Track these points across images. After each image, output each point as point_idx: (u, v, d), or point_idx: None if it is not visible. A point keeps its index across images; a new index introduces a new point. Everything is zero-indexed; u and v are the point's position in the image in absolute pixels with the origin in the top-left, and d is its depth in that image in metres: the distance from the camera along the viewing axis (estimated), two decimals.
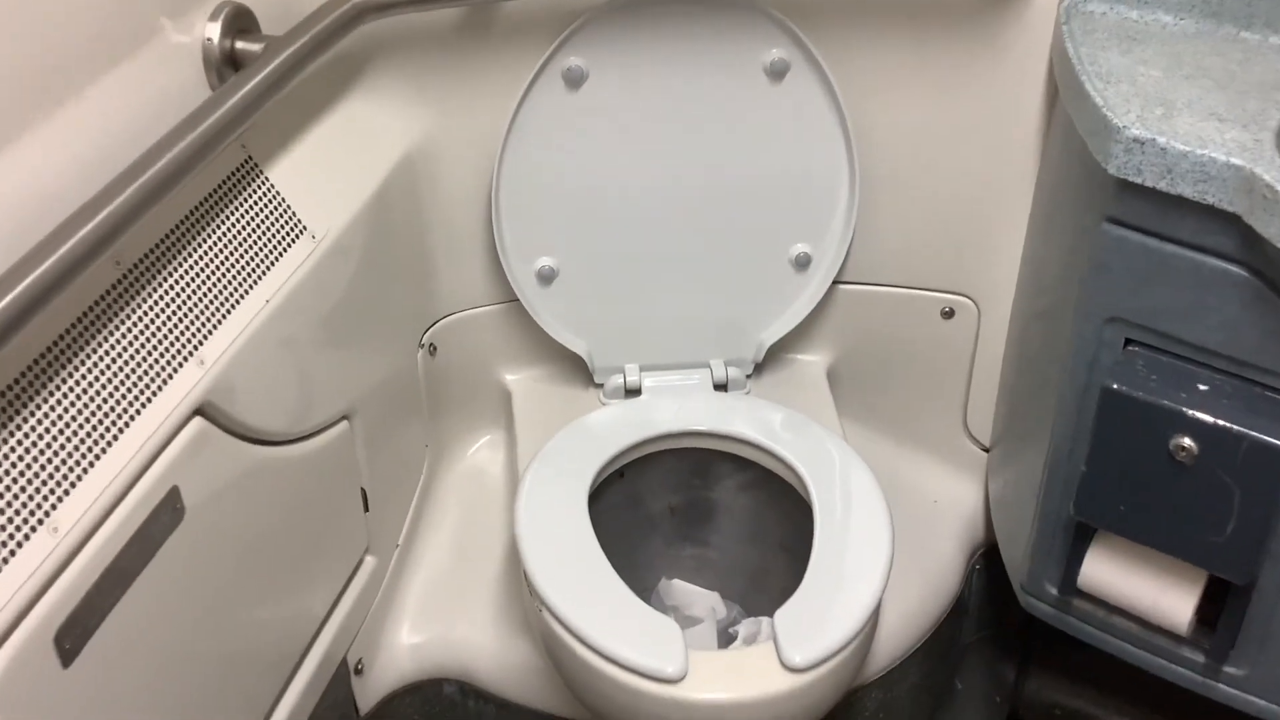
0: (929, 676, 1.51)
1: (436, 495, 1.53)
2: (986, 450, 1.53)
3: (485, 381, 1.51)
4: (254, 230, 1.06)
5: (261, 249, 1.06)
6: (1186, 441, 1.08)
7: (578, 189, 1.33)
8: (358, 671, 1.34)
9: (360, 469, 1.27)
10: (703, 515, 1.46)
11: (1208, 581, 1.18)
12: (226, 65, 1.05)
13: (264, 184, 1.09)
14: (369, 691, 1.37)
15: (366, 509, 1.30)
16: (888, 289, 1.45)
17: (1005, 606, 1.49)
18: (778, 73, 1.27)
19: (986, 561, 1.54)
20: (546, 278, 1.37)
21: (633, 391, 1.44)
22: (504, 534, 1.48)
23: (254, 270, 1.05)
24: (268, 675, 1.15)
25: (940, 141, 1.33)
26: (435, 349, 1.45)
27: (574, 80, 1.26)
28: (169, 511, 0.94)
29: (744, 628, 1.39)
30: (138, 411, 0.91)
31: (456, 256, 1.40)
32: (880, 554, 1.21)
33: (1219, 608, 1.18)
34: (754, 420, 1.39)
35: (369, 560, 1.33)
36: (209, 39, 1.04)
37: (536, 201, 1.33)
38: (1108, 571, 1.23)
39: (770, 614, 1.38)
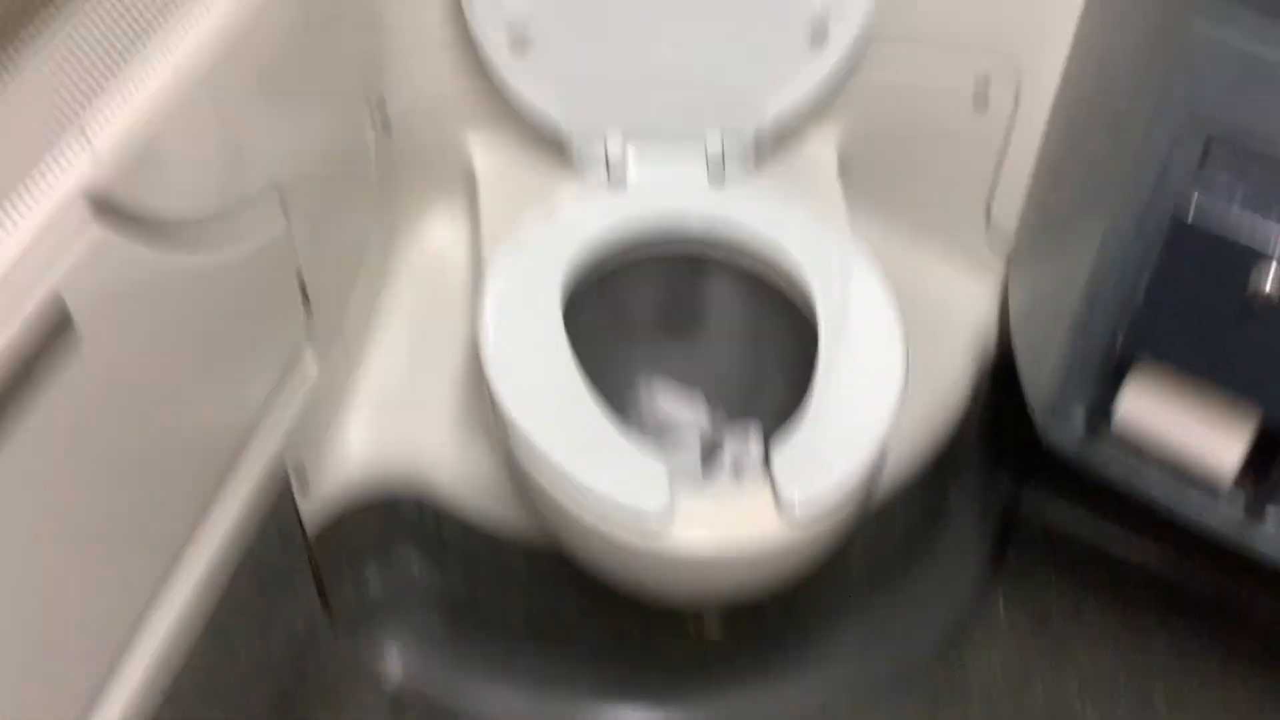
0: (925, 495, 1.39)
1: (389, 282, 1.35)
2: (1010, 252, 1.36)
3: (445, 144, 1.31)
4: None
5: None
6: (1269, 277, 0.92)
7: None
8: (302, 486, 1.20)
9: (296, 254, 1.09)
10: (690, 316, 1.30)
11: (1258, 428, 1.05)
12: None
13: None
14: (317, 510, 1.24)
15: (306, 298, 1.13)
16: (915, 49, 1.25)
17: (1009, 424, 1.36)
18: None
19: (993, 378, 1.40)
20: (518, 27, 1.15)
21: (615, 166, 1.25)
22: (467, 328, 1.31)
23: (150, 24, 0.84)
24: (194, 493, 1.00)
25: None
26: (385, 104, 1.24)
27: None
28: (52, 322, 0.76)
29: (731, 446, 1.25)
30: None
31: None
32: (891, 388, 1.06)
33: (1265, 459, 1.05)
34: (753, 222, 1.21)
35: (309, 356, 1.16)
36: None
37: None
38: (1148, 406, 1.09)
39: (758, 419, 1.26)
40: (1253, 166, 0.92)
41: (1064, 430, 1.18)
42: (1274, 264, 0.92)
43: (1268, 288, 0.92)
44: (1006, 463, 1.50)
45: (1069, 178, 1.19)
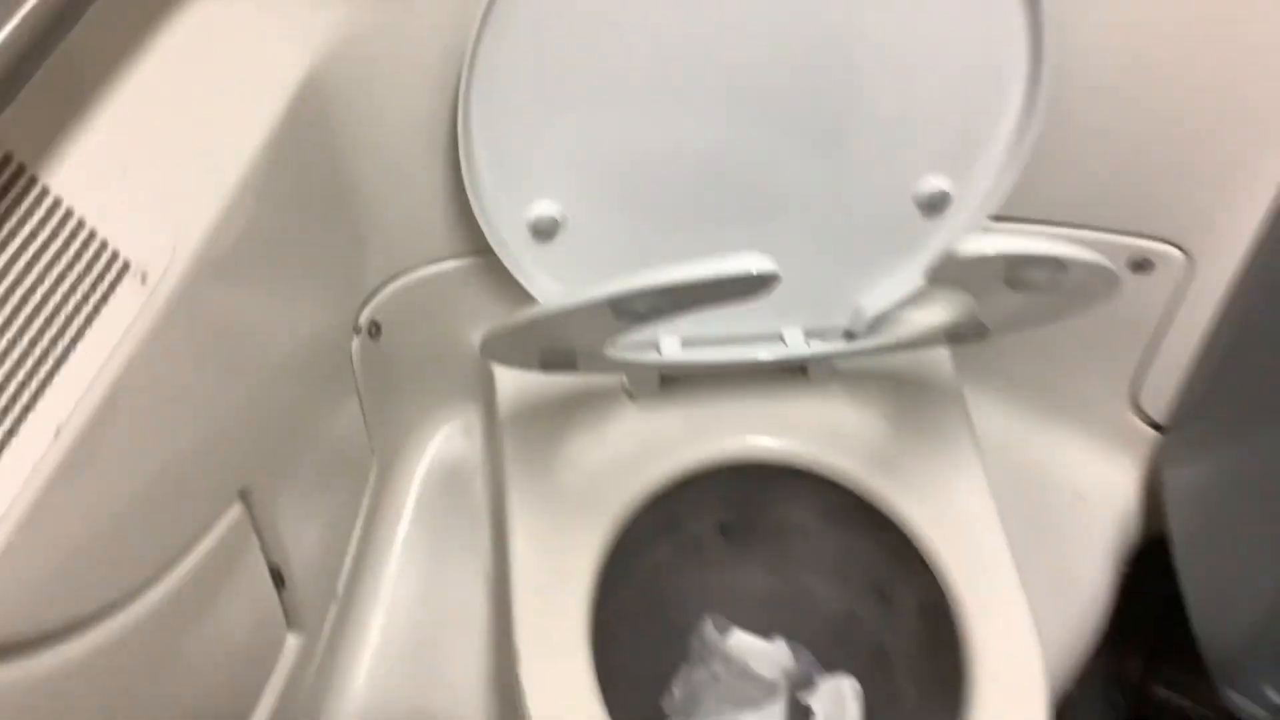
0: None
1: (388, 516, 1.10)
2: (1159, 430, 1.10)
3: (449, 358, 1.05)
4: (31, 294, 0.58)
5: (46, 329, 0.58)
6: None
7: (595, 99, 0.82)
8: None
9: (266, 548, 0.84)
10: (768, 538, 1.05)
11: None
12: None
13: (43, 202, 0.59)
14: None
15: (281, 585, 0.88)
16: (1057, 229, 0.98)
17: (1140, 603, 1.12)
18: None
19: (1137, 565, 1.15)
20: (545, 231, 0.88)
21: (668, 375, 0.99)
22: (482, 565, 1.06)
23: (34, 372, 0.58)
24: None
25: (1177, 34, 0.83)
26: (378, 328, 0.98)
27: None
28: None
29: (820, 699, 1.01)
30: None
31: (402, 207, 0.91)
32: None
33: None
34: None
35: (292, 642, 0.92)
36: None
37: (530, 121, 0.82)
38: None
39: (853, 668, 1.03)
40: None
41: (1253, 702, 0.93)
42: None
43: None
44: (1138, 644, 1.26)
45: (1258, 367, 0.93)
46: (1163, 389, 1.06)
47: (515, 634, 0.86)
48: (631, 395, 0.98)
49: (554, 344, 0.77)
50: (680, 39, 0.80)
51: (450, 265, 0.97)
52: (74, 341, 0.59)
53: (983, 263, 0.62)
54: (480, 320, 1.00)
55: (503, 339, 0.74)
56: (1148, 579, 1.12)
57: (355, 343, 0.95)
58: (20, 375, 0.57)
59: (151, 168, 0.64)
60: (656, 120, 0.83)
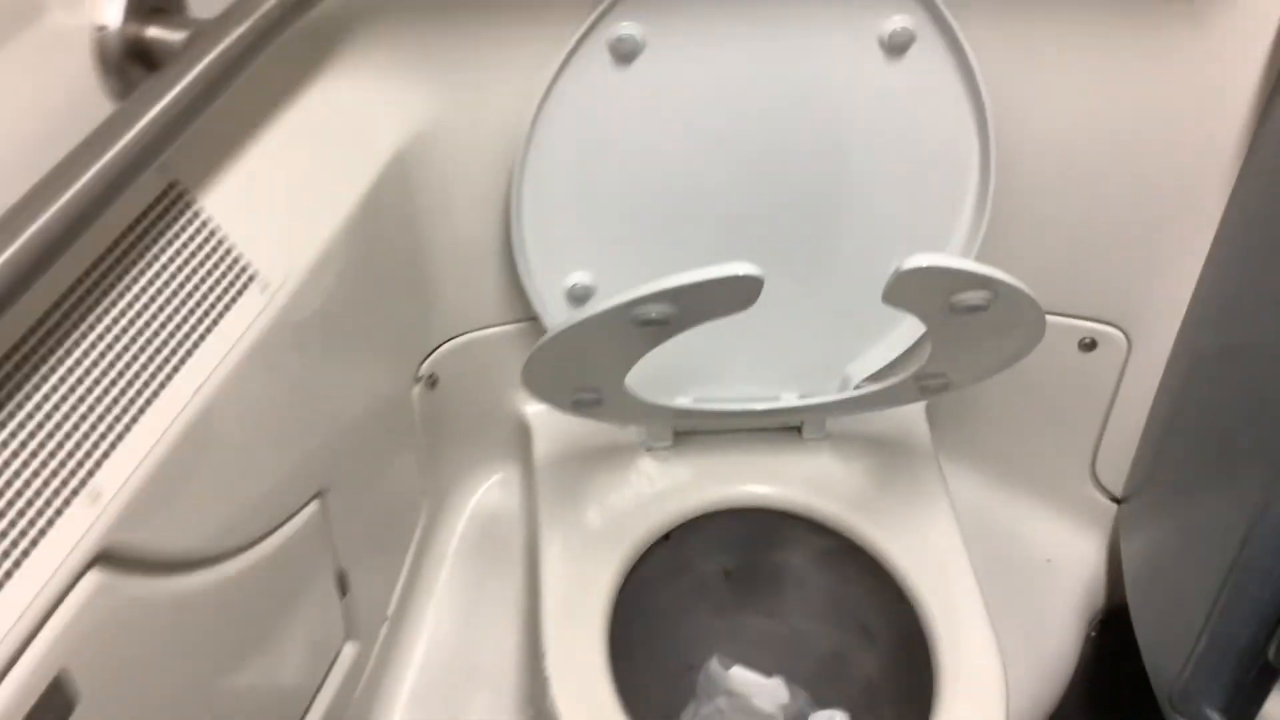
0: None
1: (436, 551, 1.25)
2: (1116, 501, 1.24)
3: (496, 412, 1.22)
4: (178, 290, 0.75)
5: (189, 315, 0.76)
6: None
7: (624, 189, 1.01)
8: None
9: (335, 551, 0.99)
10: (767, 582, 1.19)
11: None
12: (133, 63, 0.72)
13: (194, 221, 0.78)
14: None
15: (344, 593, 1.02)
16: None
17: (1116, 673, 1.23)
18: (898, 46, 0.94)
19: (1103, 626, 1.27)
20: (579, 298, 1.06)
21: (681, 432, 1.15)
22: (518, 599, 1.21)
23: (177, 348, 0.75)
24: None
25: (1106, 139, 1.01)
26: (436, 380, 1.15)
27: (625, 53, 0.94)
28: (53, 708, 0.66)
29: None
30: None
31: (464, 272, 1.10)
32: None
33: None
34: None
35: (348, 649, 1.06)
36: (102, 26, 0.71)
37: (570, 204, 1.01)
38: None
39: (844, 703, 1.15)
40: None
41: None
42: None
43: None
44: (1116, 717, 1.36)
45: (1193, 436, 1.07)
46: (1118, 462, 1.21)
47: (545, 645, 0.99)
48: (649, 449, 1.14)
49: (583, 370, 0.94)
50: (698, 159, 0.99)
51: (500, 330, 1.14)
52: (211, 327, 0.77)
53: (924, 275, 0.79)
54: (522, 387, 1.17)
55: (541, 359, 0.91)
56: (1119, 652, 1.24)
57: (415, 390, 1.12)
58: (167, 349, 0.74)
59: (277, 204, 0.83)
60: (675, 212, 1.02)
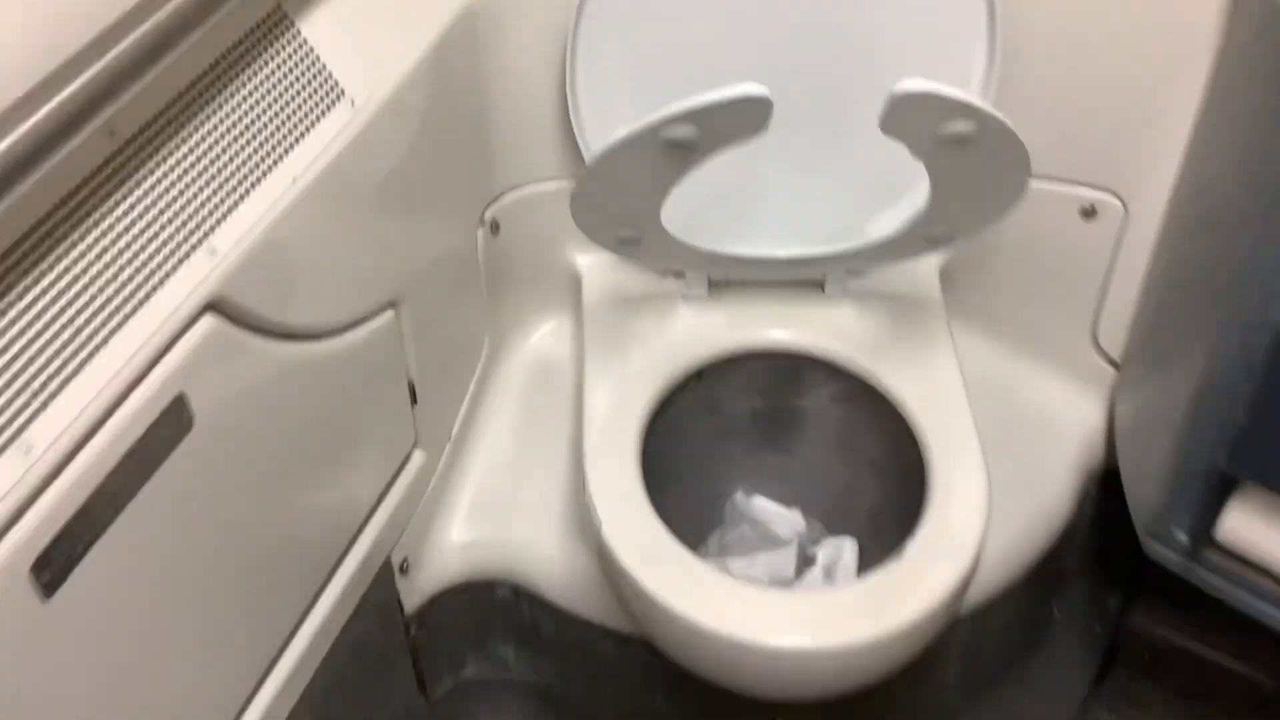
0: (1027, 608, 1.38)
1: (495, 385, 1.40)
2: (1116, 367, 1.35)
3: (552, 263, 1.36)
4: (282, 95, 0.91)
5: (291, 118, 0.91)
6: None
7: (666, 55, 1.15)
8: (403, 571, 1.24)
9: (408, 359, 1.14)
10: (789, 423, 1.32)
11: None
12: None
13: (295, 39, 0.93)
14: (415, 591, 1.28)
15: (415, 402, 1.18)
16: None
17: (1115, 535, 1.34)
18: None
19: (1102, 488, 1.38)
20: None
21: (716, 282, 1.28)
22: (567, 430, 1.35)
23: (280, 143, 0.90)
24: (302, 578, 1.05)
25: (1098, 14, 1.12)
26: (498, 226, 1.30)
27: None
28: (173, 423, 0.81)
29: (824, 550, 1.26)
30: (135, 309, 0.78)
31: (524, 126, 1.24)
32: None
33: None
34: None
35: (417, 455, 1.21)
36: None
37: (618, 68, 1.15)
38: (1252, 527, 1.07)
39: (853, 531, 1.27)
40: None
41: (1166, 546, 1.16)
42: None
43: None
44: (1115, 577, 1.48)
45: (1177, 295, 1.18)
46: (1118, 328, 1.32)
47: (586, 453, 1.14)
48: (685, 298, 1.28)
49: (622, 203, 1.07)
50: (731, 26, 1.13)
51: (556, 184, 1.28)
52: (308, 130, 0.92)
53: (913, 100, 0.91)
54: (576, 238, 1.30)
55: (585, 189, 1.04)
56: (1116, 508, 1.35)
57: (480, 233, 1.27)
58: (272, 143, 0.89)
59: (367, 32, 0.98)
60: (715, 74, 1.14)
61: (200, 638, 0.91)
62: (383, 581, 1.20)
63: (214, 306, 0.83)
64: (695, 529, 1.31)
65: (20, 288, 0.72)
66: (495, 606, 1.33)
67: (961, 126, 0.94)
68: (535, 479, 1.33)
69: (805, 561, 1.27)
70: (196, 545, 0.88)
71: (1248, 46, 1.03)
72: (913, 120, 0.94)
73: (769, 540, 1.29)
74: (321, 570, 1.08)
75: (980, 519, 1.08)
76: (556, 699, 1.39)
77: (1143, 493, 1.19)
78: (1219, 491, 1.07)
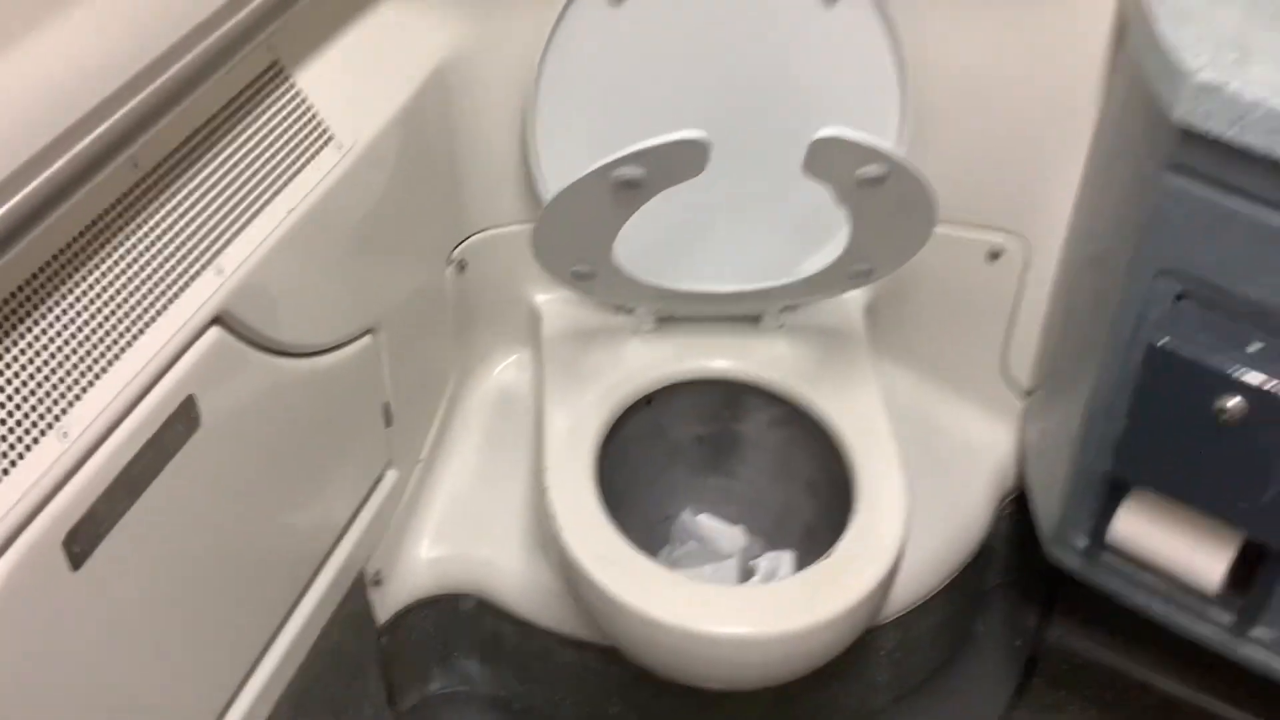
0: (950, 618, 1.50)
1: (461, 413, 1.51)
2: (1025, 395, 1.49)
3: (514, 300, 1.48)
4: (279, 137, 1.03)
5: (286, 157, 1.03)
6: (1233, 401, 1.04)
7: (617, 110, 1.28)
8: (376, 583, 1.34)
9: (384, 383, 1.25)
10: (730, 447, 1.44)
11: (1242, 544, 1.15)
12: None
13: (291, 89, 1.06)
14: (387, 602, 1.37)
15: (389, 423, 1.29)
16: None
17: (1031, 554, 1.46)
18: None
19: (1016, 507, 1.51)
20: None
21: (664, 318, 1.41)
22: (527, 455, 1.46)
23: (278, 178, 1.02)
24: (284, 584, 1.15)
25: (998, 74, 1.28)
26: (465, 265, 1.42)
27: None
28: (184, 420, 0.92)
29: (764, 562, 1.38)
30: (154, 319, 0.89)
31: (489, 173, 1.37)
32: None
33: (1251, 570, 1.15)
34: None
35: (390, 474, 1.32)
36: None
37: (574, 121, 1.29)
38: (1139, 527, 1.20)
39: (791, 546, 1.39)
40: (1217, 300, 1.06)
41: (1067, 551, 1.29)
42: (1238, 389, 1.04)
43: (1233, 411, 1.04)
44: (1033, 594, 1.60)
45: (1072, 326, 1.33)
46: (1024, 360, 1.46)
47: (545, 466, 1.25)
48: (635, 332, 1.40)
49: (577, 239, 1.20)
50: (676, 85, 1.27)
51: (518, 228, 1.41)
52: (301, 168, 1.04)
53: (830, 145, 1.05)
54: (536, 277, 1.42)
55: (544, 225, 1.17)
56: (1026, 526, 1.47)
57: (448, 271, 1.40)
58: (271, 178, 1.01)
59: (352, 85, 1.11)
60: (658, 126, 1.28)
61: (194, 629, 1.00)
62: (357, 592, 1.30)
63: (220, 320, 0.95)
64: (646, 546, 1.41)
65: (58, 294, 0.83)
66: (461, 619, 1.43)
67: (874, 170, 1.08)
68: (499, 499, 1.44)
69: (747, 574, 1.38)
70: (197, 538, 0.98)
71: (1120, 102, 1.19)
72: (831, 164, 1.08)
73: (714, 555, 1.41)
74: (301, 577, 1.18)
75: (901, 522, 1.20)
76: (517, 713, 1.48)
77: (1047, 505, 1.33)
78: (1112, 498, 1.21)
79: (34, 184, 0.77)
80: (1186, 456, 1.11)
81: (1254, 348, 1.05)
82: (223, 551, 1.03)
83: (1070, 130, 1.28)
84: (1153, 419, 1.11)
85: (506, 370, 1.56)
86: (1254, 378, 1.03)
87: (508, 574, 1.39)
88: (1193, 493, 1.13)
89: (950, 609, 1.47)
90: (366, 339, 1.19)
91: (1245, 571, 1.16)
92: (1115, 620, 1.43)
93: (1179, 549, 1.17)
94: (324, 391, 1.14)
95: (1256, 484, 1.07)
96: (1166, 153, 1.03)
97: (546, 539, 1.33)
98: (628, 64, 1.26)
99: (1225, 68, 0.98)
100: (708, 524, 1.43)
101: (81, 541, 0.83)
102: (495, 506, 1.43)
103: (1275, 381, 1.03)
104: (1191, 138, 1.00)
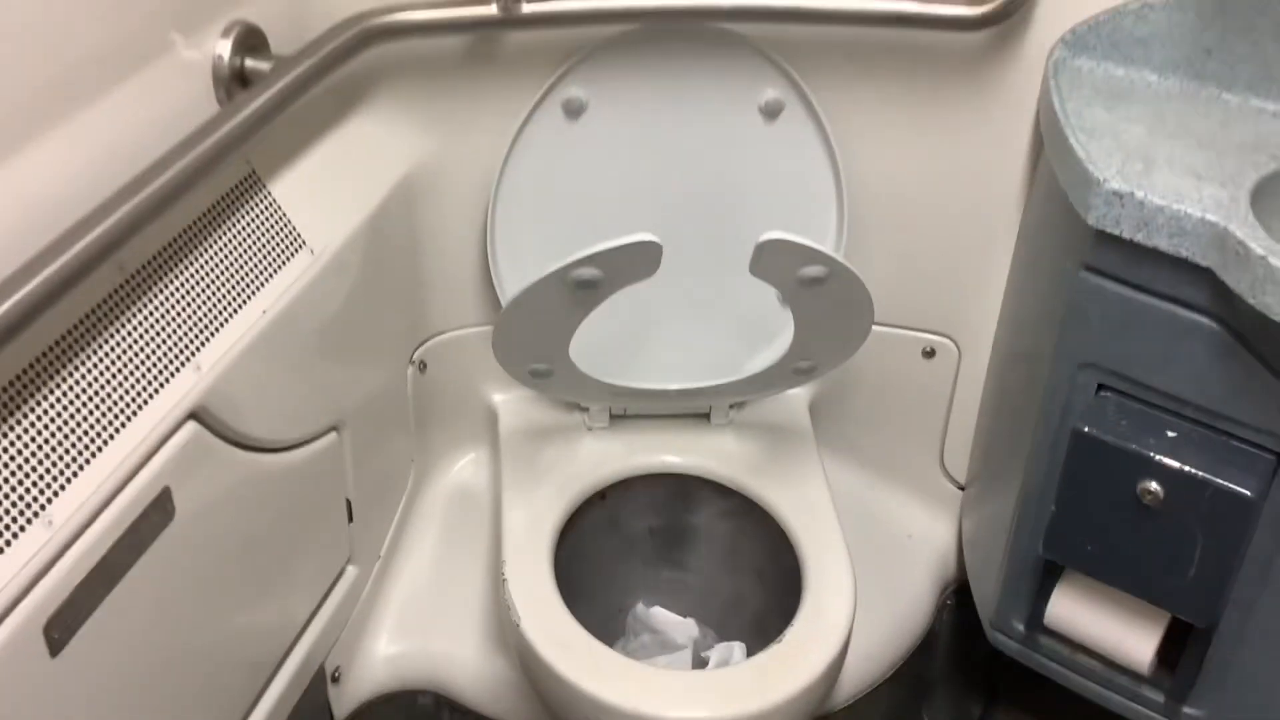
0: (896, 707, 1.54)
1: (420, 510, 1.55)
2: (962, 488, 1.56)
3: (473, 400, 1.53)
4: (255, 243, 1.09)
5: (261, 261, 1.09)
6: (1154, 486, 1.11)
7: (574, 217, 1.36)
8: (334, 679, 1.36)
9: (346, 479, 1.30)
10: (682, 538, 1.49)
11: (1170, 623, 1.21)
12: (235, 82, 1.08)
13: (266, 198, 1.12)
14: (345, 699, 1.40)
15: (351, 519, 1.32)
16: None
17: (974, 643, 1.51)
18: (772, 112, 1.31)
19: (958, 598, 1.57)
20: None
21: (617, 415, 1.47)
22: (485, 552, 1.50)
23: (253, 282, 1.08)
24: (247, 676, 1.18)
25: (928, 185, 1.37)
26: (425, 366, 1.47)
27: (574, 110, 1.30)
28: (160, 512, 0.96)
29: (716, 653, 1.42)
30: (134, 413, 0.94)
31: (450, 277, 1.43)
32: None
33: (1180, 649, 1.21)
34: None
35: (350, 570, 1.35)
36: (219, 56, 1.07)
37: (532, 227, 1.36)
38: (1073, 610, 1.26)
39: (741, 636, 1.43)
40: (1135, 390, 1.13)
41: (1007, 636, 1.34)
42: (1158, 472, 1.11)
43: (1154, 494, 1.11)
44: (977, 683, 1.65)
45: (1002, 419, 1.40)
46: (961, 454, 1.53)
47: (503, 556, 1.29)
48: (590, 429, 1.46)
49: (535, 339, 1.26)
50: (629, 194, 1.35)
51: (477, 330, 1.47)
52: (275, 272, 1.10)
53: (773, 247, 1.12)
54: (494, 378, 1.48)
55: (504, 325, 1.22)
56: (969, 615, 1.53)
57: (410, 371, 1.45)
58: (247, 280, 1.07)
59: (323, 193, 1.18)
60: (612, 232, 1.35)
61: (163, 717, 1.03)
62: (316, 689, 1.32)
63: (196, 415, 0.99)
64: (601, 639, 1.46)
65: (47, 388, 0.88)
66: (418, 714, 1.45)
67: (815, 271, 1.15)
68: (456, 594, 1.47)
69: (700, 665, 1.42)
70: (167, 630, 1.01)
71: (1040, 209, 1.28)
72: (775, 264, 1.15)
73: (668, 647, 1.44)
74: (264, 672, 1.20)
75: (848, 607, 1.25)
76: None
77: (986, 592, 1.38)
78: (1047, 581, 1.27)
79: (28, 286, 0.82)
80: (1112, 540, 1.17)
81: (1172, 434, 1.12)
82: (191, 643, 1.05)
83: (996, 236, 1.37)
84: (1080, 503, 1.18)
85: (464, 468, 1.61)
86: (1172, 462, 1.10)
87: (465, 668, 1.42)
88: (1119, 575, 1.19)
89: (896, 698, 1.51)
90: (331, 435, 1.24)
91: (1176, 650, 1.22)
92: (1057, 705, 1.48)
93: (1111, 629, 1.23)
94: (291, 486, 1.18)
95: (1178, 565, 1.14)
96: (1082, 254, 1.12)
97: (504, 631, 1.37)
98: (583, 173, 1.34)
99: (1132, 177, 1.07)
100: (661, 616, 1.47)
101: (60, 628, 0.86)
102: (453, 602, 1.46)
103: (1191, 466, 1.10)
104: (1104, 240, 1.08)
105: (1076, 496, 1.18)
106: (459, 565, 1.50)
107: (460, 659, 1.42)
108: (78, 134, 0.94)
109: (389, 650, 1.43)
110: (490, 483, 1.56)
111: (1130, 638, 1.22)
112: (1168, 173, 1.08)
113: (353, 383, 1.29)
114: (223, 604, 1.09)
